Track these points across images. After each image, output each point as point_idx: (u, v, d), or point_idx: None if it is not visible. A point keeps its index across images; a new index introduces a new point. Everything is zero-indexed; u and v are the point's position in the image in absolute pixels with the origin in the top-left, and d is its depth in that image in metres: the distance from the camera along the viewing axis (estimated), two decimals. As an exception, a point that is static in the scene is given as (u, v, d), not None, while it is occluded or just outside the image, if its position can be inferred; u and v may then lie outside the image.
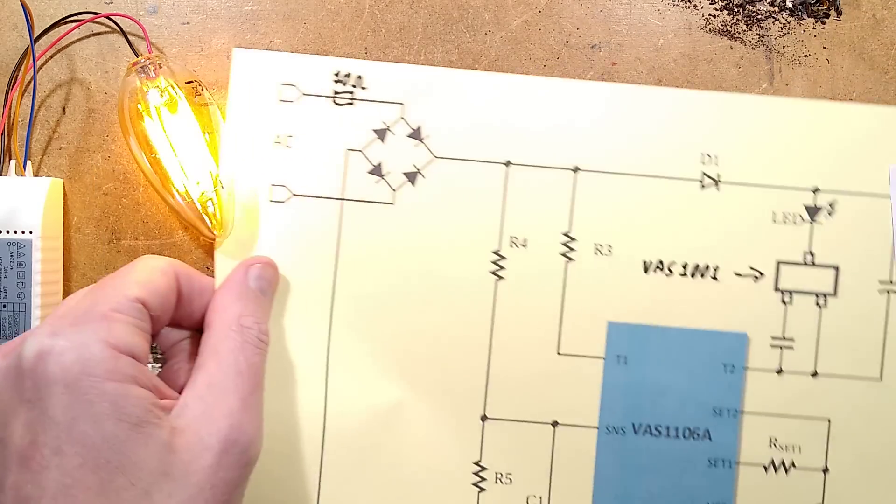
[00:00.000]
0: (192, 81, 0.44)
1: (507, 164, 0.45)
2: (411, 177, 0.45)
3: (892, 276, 0.45)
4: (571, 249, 0.45)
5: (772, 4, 0.45)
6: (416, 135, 0.45)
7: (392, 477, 0.45)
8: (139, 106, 0.43)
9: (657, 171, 0.45)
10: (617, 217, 0.45)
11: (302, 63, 0.45)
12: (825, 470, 0.45)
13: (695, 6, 0.45)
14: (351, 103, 0.45)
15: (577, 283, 0.45)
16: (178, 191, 0.43)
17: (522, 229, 0.45)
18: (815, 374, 0.45)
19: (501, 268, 0.45)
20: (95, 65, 0.46)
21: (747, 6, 0.45)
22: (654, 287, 0.45)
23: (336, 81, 0.45)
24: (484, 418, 0.45)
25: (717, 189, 0.45)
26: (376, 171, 0.45)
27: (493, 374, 0.45)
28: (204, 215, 0.43)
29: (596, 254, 0.45)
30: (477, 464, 0.45)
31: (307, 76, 0.45)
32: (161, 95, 0.43)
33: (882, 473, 0.45)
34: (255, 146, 0.45)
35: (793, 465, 0.45)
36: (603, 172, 0.45)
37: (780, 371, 0.45)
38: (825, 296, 0.45)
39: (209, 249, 0.46)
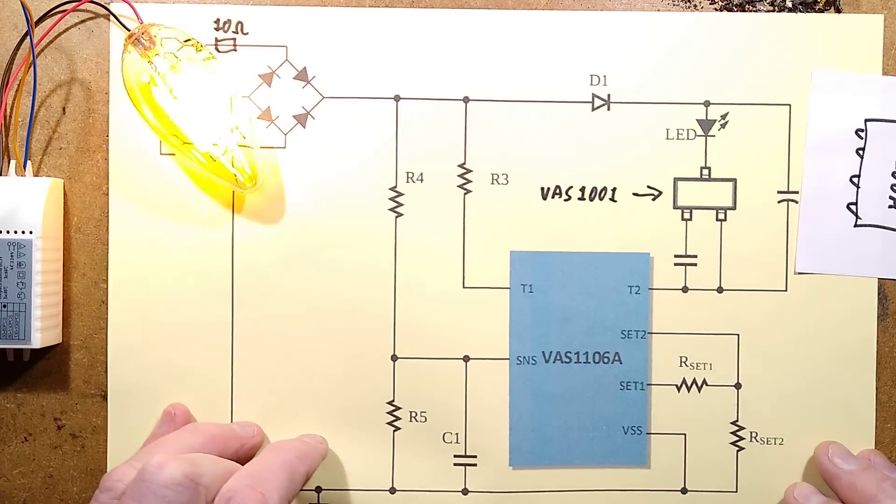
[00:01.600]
0: (189, 40, 0.43)
1: (397, 98, 0.45)
2: (301, 119, 0.45)
3: (790, 185, 0.45)
4: (468, 181, 0.45)
5: (771, 5, 0.44)
6: (302, 76, 0.45)
7: (306, 420, 0.45)
8: (144, 77, 0.42)
9: (547, 95, 0.45)
10: (511, 145, 0.45)
11: (180, 13, 0.45)
12: (737, 385, 0.45)
13: (695, 6, 0.45)
14: (234, 49, 0.45)
15: (477, 215, 0.45)
16: (199, 151, 0.43)
17: (418, 164, 0.45)
18: (720, 290, 0.45)
19: (400, 204, 0.45)
20: (96, 64, 0.45)
21: (747, 6, 0.45)
22: (554, 213, 0.45)
23: (217, 29, 0.45)
24: (394, 358, 0.45)
25: (609, 109, 0.45)
26: (265, 115, 0.45)
27: (400, 313, 0.45)
28: (233, 169, 0.43)
29: (493, 184, 0.45)
30: (390, 403, 0.45)
31: (187, 26, 0.44)
32: (164, 59, 0.42)
33: (793, 385, 0.45)
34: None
35: (705, 382, 0.45)
36: (493, 101, 0.45)
37: (685, 289, 0.45)
38: (725, 210, 0.45)
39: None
